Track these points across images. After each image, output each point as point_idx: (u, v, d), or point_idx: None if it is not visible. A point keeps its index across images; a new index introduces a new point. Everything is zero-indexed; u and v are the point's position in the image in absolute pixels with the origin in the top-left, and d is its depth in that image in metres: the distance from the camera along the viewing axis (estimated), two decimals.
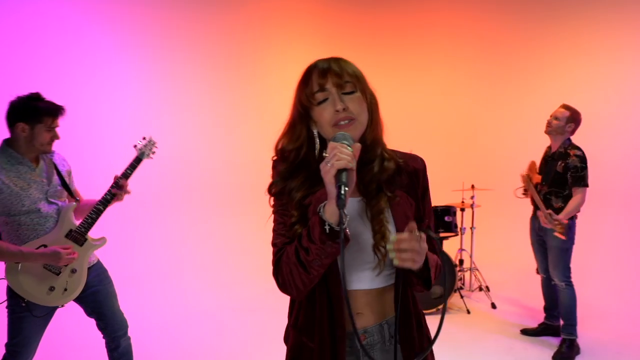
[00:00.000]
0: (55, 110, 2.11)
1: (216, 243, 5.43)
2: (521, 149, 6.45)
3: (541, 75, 6.47)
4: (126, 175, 2.30)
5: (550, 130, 3.42)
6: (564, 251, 3.30)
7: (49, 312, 2.19)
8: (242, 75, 6.09)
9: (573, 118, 3.37)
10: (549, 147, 3.54)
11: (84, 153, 4.46)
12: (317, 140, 1.15)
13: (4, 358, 2.14)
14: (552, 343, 3.47)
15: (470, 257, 4.86)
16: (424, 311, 3.95)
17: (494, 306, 4.34)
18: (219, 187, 5.72)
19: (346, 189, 0.95)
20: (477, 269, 4.85)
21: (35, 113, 2.06)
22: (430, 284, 1.17)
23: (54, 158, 2.26)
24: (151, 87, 5.35)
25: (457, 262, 4.93)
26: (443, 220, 4.47)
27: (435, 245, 1.23)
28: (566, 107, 3.43)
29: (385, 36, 6.98)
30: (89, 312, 2.36)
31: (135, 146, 2.39)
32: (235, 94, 6.05)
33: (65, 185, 2.25)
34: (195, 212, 5.51)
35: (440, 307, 4.10)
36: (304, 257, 1.03)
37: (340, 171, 0.96)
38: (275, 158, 1.20)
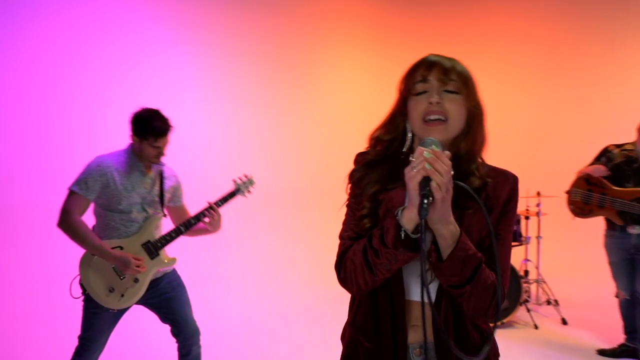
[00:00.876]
0: (159, 132, 2.21)
1: (284, 244, 5.48)
2: (593, 153, 6.05)
3: (615, 76, 6.05)
4: (217, 205, 2.38)
5: None
6: None
7: (116, 312, 2.25)
8: (301, 75, 6.17)
9: None
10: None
11: None
12: (409, 136, 1.10)
13: (76, 349, 2.24)
14: None
15: (537, 268, 4.57)
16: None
17: (564, 322, 4.04)
18: (278, 188, 5.75)
19: (430, 199, 0.89)
20: (544, 281, 4.55)
21: (142, 129, 2.20)
22: (461, 280, 0.99)
23: (165, 170, 2.38)
24: (211, 85, 5.49)
25: (523, 273, 4.66)
26: None
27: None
28: None
29: (445, 40, 6.83)
30: (163, 318, 2.42)
31: (234, 181, 2.50)
32: (294, 93, 6.14)
33: (162, 198, 2.36)
34: (260, 213, 5.57)
35: (506, 320, 3.88)
36: (371, 258, 0.99)
37: (426, 179, 0.90)
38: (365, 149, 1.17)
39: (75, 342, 2.25)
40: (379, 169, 1.10)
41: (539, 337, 3.75)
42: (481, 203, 0.98)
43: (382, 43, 6.73)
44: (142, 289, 2.27)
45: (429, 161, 0.90)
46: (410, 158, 0.95)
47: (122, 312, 2.28)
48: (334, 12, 6.44)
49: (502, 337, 3.71)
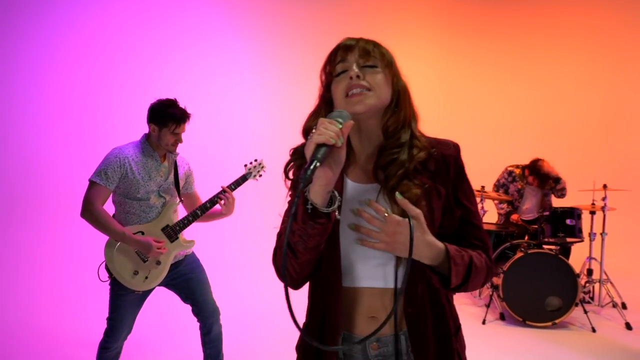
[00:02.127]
0: (179, 118, 2.33)
1: None
2: None
3: None
4: (230, 189, 2.49)
5: None
6: None
7: (142, 293, 2.39)
8: None
9: None
10: None
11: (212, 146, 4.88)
12: None
13: (105, 330, 2.41)
14: None
15: (601, 266, 4.21)
16: (537, 323, 3.47)
17: (629, 327, 3.70)
18: None
19: (317, 164, 0.87)
20: (609, 282, 4.19)
21: (163, 118, 2.32)
22: (448, 285, 1.00)
23: (178, 159, 2.51)
24: (269, 73, 5.57)
25: (585, 272, 4.32)
26: (564, 224, 3.95)
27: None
28: None
29: (510, 29, 6.49)
30: (184, 298, 2.54)
31: (245, 165, 2.62)
32: None
33: (177, 185, 2.49)
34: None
35: (558, 321, 3.63)
36: (291, 239, 0.96)
37: (319, 146, 0.89)
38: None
39: (104, 324, 2.42)
40: None
41: (596, 341, 3.47)
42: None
43: (446, 32, 6.48)
44: (164, 270, 2.39)
45: (320, 127, 0.91)
46: (313, 131, 0.92)
47: (146, 294, 2.41)
48: (392, 2, 6.27)
49: (553, 339, 3.48)
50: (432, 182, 1.02)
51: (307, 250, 0.96)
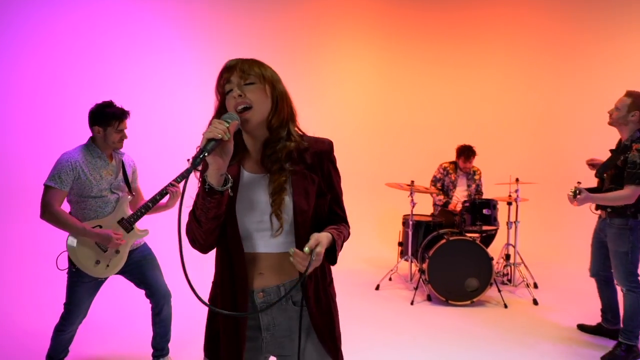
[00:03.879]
0: (121, 115, 2.56)
1: None
2: (582, 143, 6.15)
3: (602, 66, 6.11)
4: (176, 181, 2.72)
5: (611, 121, 3.15)
6: (624, 255, 3.07)
7: (96, 282, 2.60)
8: (303, 68, 6.35)
9: (636, 105, 3.03)
10: (619, 140, 3.22)
11: (153, 149, 5.01)
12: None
13: (62, 315, 2.62)
14: (607, 346, 3.26)
15: (514, 250, 4.73)
16: (458, 302, 3.91)
17: (535, 302, 4.22)
18: None
19: (206, 154, 1.13)
20: (524, 264, 4.72)
21: (106, 118, 2.53)
22: (334, 260, 1.35)
23: (124, 158, 2.74)
24: (214, 80, 5.76)
25: (504, 257, 4.83)
26: (482, 213, 4.42)
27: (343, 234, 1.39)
28: (629, 94, 3.10)
29: (442, 32, 6.93)
30: (138, 283, 2.77)
31: (188, 160, 2.79)
32: (297, 85, 6.32)
33: (127, 182, 2.72)
34: None
35: (476, 299, 4.09)
36: (197, 213, 1.25)
37: (209, 140, 1.14)
38: None
39: (61, 309, 2.62)
40: None
41: (507, 315, 3.95)
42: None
43: (384, 35, 6.85)
44: (123, 258, 2.64)
45: (210, 126, 1.17)
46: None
47: (100, 282, 2.64)
48: (335, 4, 6.58)
49: (472, 315, 3.92)
50: (307, 171, 1.33)
51: (208, 221, 1.24)
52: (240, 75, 1.27)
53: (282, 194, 1.28)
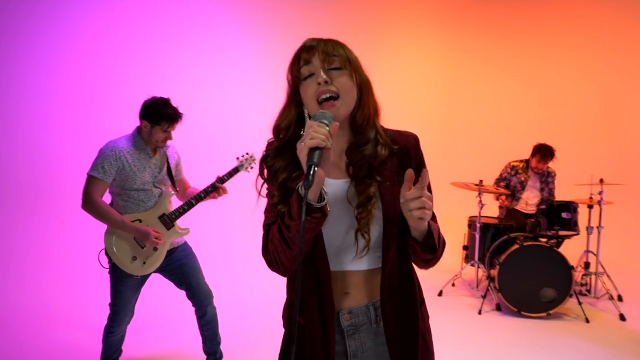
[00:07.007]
0: (172, 118, 2.45)
1: None
2: None
3: None
4: (222, 180, 2.65)
5: None
6: None
7: (139, 280, 2.52)
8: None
9: None
10: None
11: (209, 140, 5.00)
12: (307, 120, 1.09)
13: (109, 316, 2.56)
14: None
15: (597, 259, 4.27)
16: (532, 314, 3.56)
17: (622, 318, 3.77)
18: None
19: (316, 168, 0.93)
20: (606, 274, 4.25)
21: (157, 116, 2.43)
22: (435, 249, 1.10)
23: (168, 151, 2.65)
24: (270, 69, 5.67)
25: (583, 265, 4.38)
26: (560, 217, 4.02)
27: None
28: None
29: (513, 25, 6.55)
30: (178, 284, 2.67)
31: (237, 158, 2.78)
32: None
33: (171, 176, 2.62)
34: None
35: (552, 311, 3.71)
36: (286, 234, 1.04)
37: (312, 150, 0.95)
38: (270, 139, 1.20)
39: (107, 310, 2.57)
40: (284, 156, 1.13)
41: (589, 331, 3.54)
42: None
43: (446, 27, 6.53)
44: (161, 256, 2.53)
45: (310, 131, 0.95)
46: (301, 132, 1.00)
47: (144, 279, 2.55)
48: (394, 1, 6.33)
49: (548, 329, 3.56)
50: (396, 173, 1.12)
51: (304, 243, 1.01)
52: (323, 58, 1.06)
53: (370, 208, 1.06)
